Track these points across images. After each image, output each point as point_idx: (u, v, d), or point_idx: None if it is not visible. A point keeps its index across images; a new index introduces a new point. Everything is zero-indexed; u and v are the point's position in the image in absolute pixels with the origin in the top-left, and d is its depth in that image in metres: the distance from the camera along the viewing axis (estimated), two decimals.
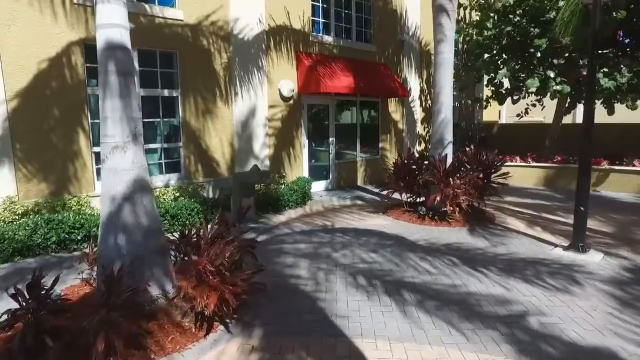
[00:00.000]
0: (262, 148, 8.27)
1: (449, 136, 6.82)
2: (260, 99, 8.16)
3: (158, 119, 6.97)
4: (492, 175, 6.75)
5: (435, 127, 6.86)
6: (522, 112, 12.84)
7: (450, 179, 6.27)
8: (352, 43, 9.95)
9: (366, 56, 10.25)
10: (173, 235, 3.92)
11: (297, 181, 8.13)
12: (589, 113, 4.77)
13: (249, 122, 8.01)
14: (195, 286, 3.08)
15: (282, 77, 8.49)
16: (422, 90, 12.24)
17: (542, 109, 12.97)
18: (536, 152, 11.42)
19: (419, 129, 12.27)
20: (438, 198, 6.15)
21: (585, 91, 4.84)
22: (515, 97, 11.05)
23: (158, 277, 3.38)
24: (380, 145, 11.01)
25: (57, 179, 5.83)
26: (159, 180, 6.96)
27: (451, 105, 6.81)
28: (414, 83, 11.80)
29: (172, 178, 7.16)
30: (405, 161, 7.12)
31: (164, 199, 6.55)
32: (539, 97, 11.97)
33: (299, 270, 4.51)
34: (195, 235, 3.65)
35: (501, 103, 11.10)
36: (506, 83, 10.96)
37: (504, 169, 7.22)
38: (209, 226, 3.74)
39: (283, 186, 7.95)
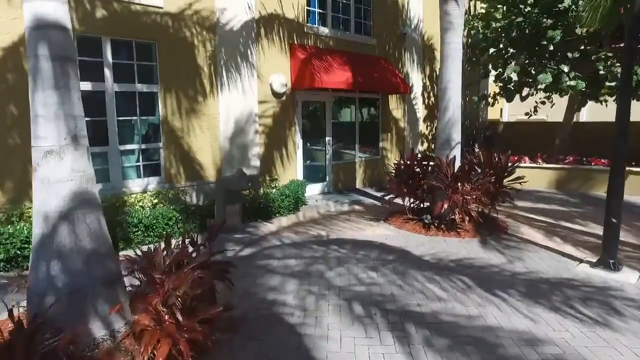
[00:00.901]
0: (251, 148, 7.60)
1: (457, 136, 6.14)
2: (250, 95, 7.48)
3: (135, 117, 6.29)
4: (505, 180, 6.07)
5: (441, 127, 6.18)
6: (531, 110, 12.14)
7: (459, 184, 5.60)
8: (350, 35, 9.26)
9: (365, 50, 9.56)
10: (138, 253, 3.25)
11: (290, 185, 7.45)
12: (624, 109, 4.09)
13: (237, 120, 7.33)
14: (142, 331, 2.41)
15: (273, 71, 7.81)
16: (424, 87, 11.55)
17: (551, 107, 12.29)
18: (544, 152, 10.75)
19: (422, 127, 11.58)
20: (446, 206, 5.48)
21: (622, 83, 4.16)
22: (524, 94, 10.36)
23: (104, 313, 2.71)
24: (381, 144, 10.33)
25: (15, 184, 5.16)
26: (136, 185, 6.29)
27: (459, 102, 6.14)
28: (416, 79, 11.11)
29: (151, 182, 6.48)
30: (409, 163, 6.44)
31: (140, 206, 5.88)
32: (548, 94, 11.32)
33: (285, 295, 3.83)
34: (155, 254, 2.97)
35: (509, 100, 10.41)
36: (514, 78, 10.28)
37: (517, 172, 6.55)
38: (182, 243, 3.07)
39: (274, 190, 7.28)
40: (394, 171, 6.54)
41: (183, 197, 6.62)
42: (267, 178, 7.86)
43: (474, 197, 5.47)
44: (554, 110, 13.48)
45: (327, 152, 8.94)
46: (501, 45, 9.89)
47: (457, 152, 6.15)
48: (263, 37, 7.64)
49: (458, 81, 6.03)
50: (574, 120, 17.56)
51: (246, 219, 6.45)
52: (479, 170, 5.86)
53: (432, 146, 11.91)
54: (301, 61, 7.93)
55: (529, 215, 6.92)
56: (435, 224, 5.92)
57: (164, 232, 5.48)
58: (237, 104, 7.31)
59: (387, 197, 6.55)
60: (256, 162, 7.70)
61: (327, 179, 9.07)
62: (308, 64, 7.89)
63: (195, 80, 6.77)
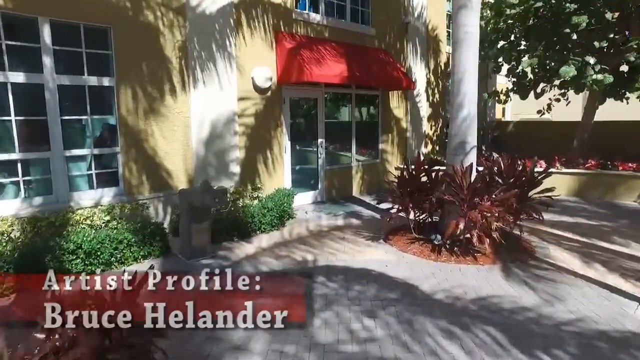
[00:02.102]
0: (230, 152, 6.54)
1: (472, 139, 5.09)
2: (228, 91, 6.42)
3: (85, 116, 5.23)
4: (532, 192, 5.01)
5: (455, 127, 5.12)
6: (543, 108, 11.10)
7: (477, 198, 4.54)
8: (346, 24, 8.20)
9: (363, 40, 8.50)
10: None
11: (274, 196, 6.38)
12: None
13: (213, 119, 6.27)
14: None
15: (256, 63, 6.74)
16: (428, 83, 10.48)
17: (566, 104, 11.24)
18: (560, 154, 9.70)
19: (425, 127, 10.52)
20: (461, 225, 4.42)
21: None
22: (539, 90, 9.30)
23: None
24: (381, 147, 9.27)
25: None
26: (87, 198, 5.22)
27: (476, 96, 5.09)
28: (419, 73, 10.05)
29: (107, 194, 5.42)
30: (414, 173, 5.38)
31: (89, 225, 4.82)
32: (563, 90, 10.28)
33: None
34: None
35: (523, 97, 9.37)
36: (529, 73, 9.24)
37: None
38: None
39: (256, 202, 6.23)
40: (396, 180, 5.47)
41: (145, 212, 5.56)
42: (250, 187, 6.80)
43: (496, 214, 4.41)
44: (555, 110, 12.56)
45: (319, 155, 7.88)
46: (514, 37, 8.83)
47: (472, 158, 5.09)
48: (244, 23, 6.57)
49: (475, 72, 4.98)
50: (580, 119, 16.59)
51: (219, 238, 5.39)
52: (500, 180, 4.80)
53: (437, 148, 10.87)
54: (289, 52, 6.87)
55: (555, 231, 5.87)
56: (447, 246, 4.87)
57: (114, 260, 4.43)
58: (213, 101, 6.25)
59: (389, 208, 5.46)
60: (235, 169, 6.64)
61: (320, 186, 8.02)
62: (297, 55, 6.83)
63: (162, 72, 5.71)
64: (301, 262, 4.68)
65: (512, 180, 4.83)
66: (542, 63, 8.24)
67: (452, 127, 5.18)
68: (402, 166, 5.86)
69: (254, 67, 6.71)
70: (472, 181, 4.65)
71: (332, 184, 8.22)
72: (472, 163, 4.86)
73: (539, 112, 11.26)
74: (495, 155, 5.74)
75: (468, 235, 4.55)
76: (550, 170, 5.65)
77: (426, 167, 5.60)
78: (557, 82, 8.32)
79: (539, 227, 5.98)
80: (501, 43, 9.03)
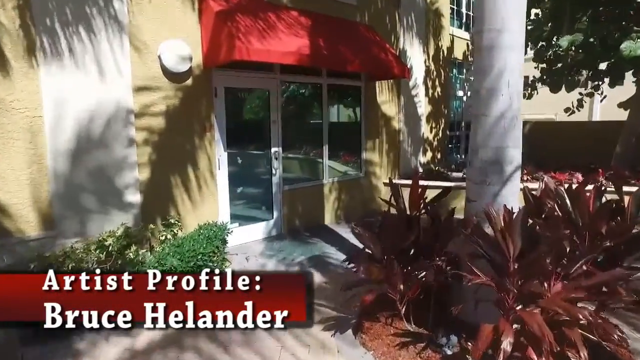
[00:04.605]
0: (123, 171, 4.19)
1: (515, 153, 2.76)
2: (114, 76, 4.07)
3: None
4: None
5: (482, 132, 2.77)
6: (573, 105, 8.82)
7: (537, 277, 2.20)
8: None
9: (341, 12, 6.18)
10: None
11: (185, 242, 4.00)
12: None
13: (86, 120, 3.92)
14: None
15: (165, 35, 4.39)
16: (428, 71, 8.16)
17: (601, 100, 8.97)
18: (592, 162, 7.44)
19: (424, 129, 8.20)
20: (507, 342, 2.07)
21: None
22: (578, 78, 7.01)
23: None
24: (365, 156, 6.92)
25: None
26: None
27: (522, 76, 2.77)
28: (416, 59, 7.73)
29: None
30: (408, 211, 3.04)
31: None
32: (597, 83, 8.05)
33: None
34: None
35: (555, 89, 7.07)
36: (560, 56, 6.93)
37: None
38: None
39: (150, 256, 3.87)
40: (367, 232, 3.09)
41: None
42: (160, 224, 4.45)
43: (580, 317, 2.07)
44: (558, 109, 10.62)
45: (273, 171, 5.53)
46: (546, 7, 6.51)
47: (516, 189, 2.76)
48: None
49: (521, 28, 2.66)
50: (586, 118, 14.41)
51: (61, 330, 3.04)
52: (566, 232, 2.43)
53: (438, 156, 8.56)
54: (221, 18, 4.52)
55: None
56: None
57: None
58: (87, 93, 3.91)
59: (360, 281, 3.07)
60: (133, 197, 4.29)
61: (275, 214, 5.66)
62: (233, 22, 4.49)
63: None
64: None
65: (603, 231, 2.46)
66: (586, 41, 5.88)
67: (478, 132, 2.83)
68: (388, 196, 3.52)
69: (162, 42, 4.36)
70: (520, 243, 2.28)
71: (294, 210, 5.86)
72: (520, 209, 2.46)
73: (567, 110, 8.97)
74: (544, 176, 3.38)
75: (519, 355, 2.21)
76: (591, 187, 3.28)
77: (426, 200, 3.30)
78: (602, 66, 6.03)
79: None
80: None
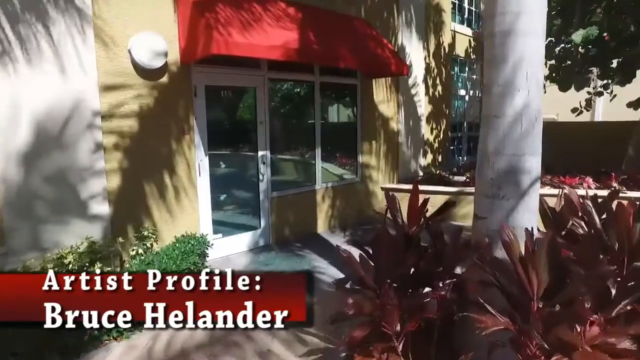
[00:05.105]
0: (88, 178, 3.76)
1: (535, 161, 2.33)
2: (76, 73, 3.63)
3: None
4: None
5: (495, 135, 2.33)
6: (581, 105, 8.39)
7: (567, 324, 1.76)
8: None
9: (334, 5, 5.75)
10: None
11: (156, 258, 3.56)
12: None
13: (44, 122, 3.49)
14: None
15: (137, 27, 3.96)
16: (428, 69, 7.73)
17: (610, 99, 8.52)
18: (597, 164, 7.03)
19: (425, 130, 7.76)
20: None
21: None
22: (588, 76, 6.58)
23: None
24: (361, 159, 6.48)
25: None
26: None
27: (542, 69, 2.35)
28: (415, 56, 7.29)
29: None
30: (406, 230, 2.61)
31: None
32: (607, 82, 7.63)
33: None
34: None
35: (564, 87, 6.64)
36: (571, 53, 6.49)
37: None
38: None
39: (136, 264, 3.45)
40: (357, 257, 2.66)
41: None
42: (133, 237, 4.02)
43: None
44: (559, 109, 10.21)
45: (260, 177, 5.09)
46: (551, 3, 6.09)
47: (534, 203, 2.33)
48: None
49: (542, 14, 2.23)
50: (589, 119, 14.02)
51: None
52: (612, 268, 2.00)
53: (439, 158, 8.13)
54: (199, 9, 4.09)
55: None
56: None
57: None
58: (44, 91, 3.48)
59: (349, 316, 2.64)
60: (101, 208, 3.85)
61: (263, 223, 5.22)
62: (213, 14, 4.06)
63: None
64: None
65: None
66: (599, 36, 5.44)
67: (489, 137, 2.39)
68: (385, 207, 3.08)
69: (134, 35, 3.92)
70: (545, 273, 1.84)
71: (283, 218, 5.42)
72: (546, 233, 2.02)
73: (574, 110, 8.53)
74: (564, 187, 2.95)
75: None
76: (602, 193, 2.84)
77: (427, 212, 2.86)
78: (614, 63, 5.59)
79: None
80: None
